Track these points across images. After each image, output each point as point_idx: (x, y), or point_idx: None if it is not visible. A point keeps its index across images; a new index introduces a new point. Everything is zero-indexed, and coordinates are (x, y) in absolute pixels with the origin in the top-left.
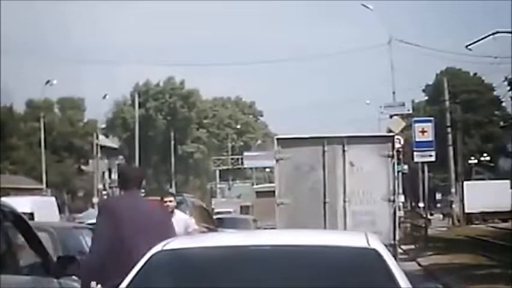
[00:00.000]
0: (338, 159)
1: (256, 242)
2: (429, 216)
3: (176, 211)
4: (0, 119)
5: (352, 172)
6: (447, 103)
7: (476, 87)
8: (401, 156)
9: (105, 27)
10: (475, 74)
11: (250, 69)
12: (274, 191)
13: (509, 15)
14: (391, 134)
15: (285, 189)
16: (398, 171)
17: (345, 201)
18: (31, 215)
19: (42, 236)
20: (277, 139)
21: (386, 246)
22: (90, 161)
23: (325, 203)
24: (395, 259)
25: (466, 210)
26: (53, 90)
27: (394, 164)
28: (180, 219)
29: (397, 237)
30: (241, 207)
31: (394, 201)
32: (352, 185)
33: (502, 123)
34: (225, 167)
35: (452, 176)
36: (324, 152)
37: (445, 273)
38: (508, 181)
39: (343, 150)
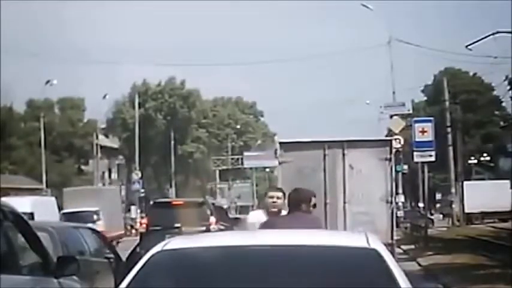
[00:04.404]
0: (338, 162)
1: (256, 242)
2: (429, 216)
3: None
4: (0, 119)
5: (352, 174)
6: (447, 103)
7: (476, 87)
8: (401, 156)
9: (105, 27)
10: (475, 74)
11: (250, 69)
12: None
13: (509, 15)
14: (389, 138)
15: (287, 191)
16: (398, 171)
17: (344, 202)
18: (31, 215)
19: (42, 236)
20: (280, 143)
21: (385, 245)
22: (90, 161)
23: (325, 204)
24: (394, 258)
25: (466, 210)
26: (53, 90)
27: (391, 166)
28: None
29: (395, 237)
30: (240, 207)
31: (392, 202)
32: (352, 186)
33: (502, 123)
34: (225, 167)
35: (452, 176)
36: (324, 155)
37: (445, 273)
38: (508, 181)
39: (343, 154)
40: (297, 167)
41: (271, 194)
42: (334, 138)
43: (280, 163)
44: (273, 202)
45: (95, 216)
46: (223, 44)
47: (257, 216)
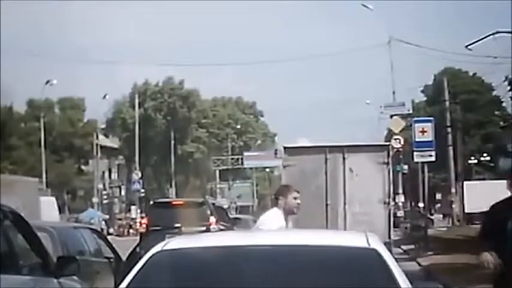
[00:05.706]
0: (339, 166)
1: (256, 242)
2: (429, 216)
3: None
4: (0, 119)
5: (352, 178)
6: (447, 103)
7: (476, 87)
8: (401, 156)
9: (105, 27)
10: (475, 74)
11: (250, 69)
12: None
13: (509, 15)
14: (387, 143)
15: None
16: (398, 171)
17: (345, 204)
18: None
19: (42, 236)
20: (285, 147)
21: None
22: (90, 161)
23: (327, 205)
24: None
25: (466, 210)
26: (53, 90)
27: (389, 169)
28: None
29: (392, 237)
30: (240, 207)
31: (389, 203)
32: (352, 189)
33: (502, 123)
34: (225, 167)
35: (452, 176)
36: (326, 159)
37: (445, 273)
38: (508, 181)
39: (343, 158)
40: (300, 170)
41: (295, 194)
42: (335, 143)
43: (284, 166)
44: (298, 204)
45: None
46: (223, 44)
47: (276, 220)
